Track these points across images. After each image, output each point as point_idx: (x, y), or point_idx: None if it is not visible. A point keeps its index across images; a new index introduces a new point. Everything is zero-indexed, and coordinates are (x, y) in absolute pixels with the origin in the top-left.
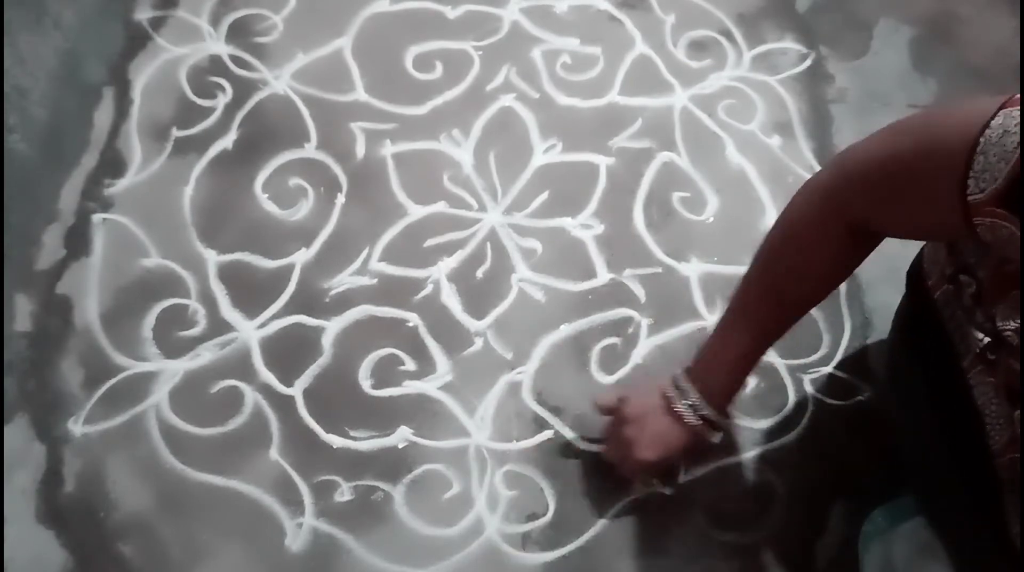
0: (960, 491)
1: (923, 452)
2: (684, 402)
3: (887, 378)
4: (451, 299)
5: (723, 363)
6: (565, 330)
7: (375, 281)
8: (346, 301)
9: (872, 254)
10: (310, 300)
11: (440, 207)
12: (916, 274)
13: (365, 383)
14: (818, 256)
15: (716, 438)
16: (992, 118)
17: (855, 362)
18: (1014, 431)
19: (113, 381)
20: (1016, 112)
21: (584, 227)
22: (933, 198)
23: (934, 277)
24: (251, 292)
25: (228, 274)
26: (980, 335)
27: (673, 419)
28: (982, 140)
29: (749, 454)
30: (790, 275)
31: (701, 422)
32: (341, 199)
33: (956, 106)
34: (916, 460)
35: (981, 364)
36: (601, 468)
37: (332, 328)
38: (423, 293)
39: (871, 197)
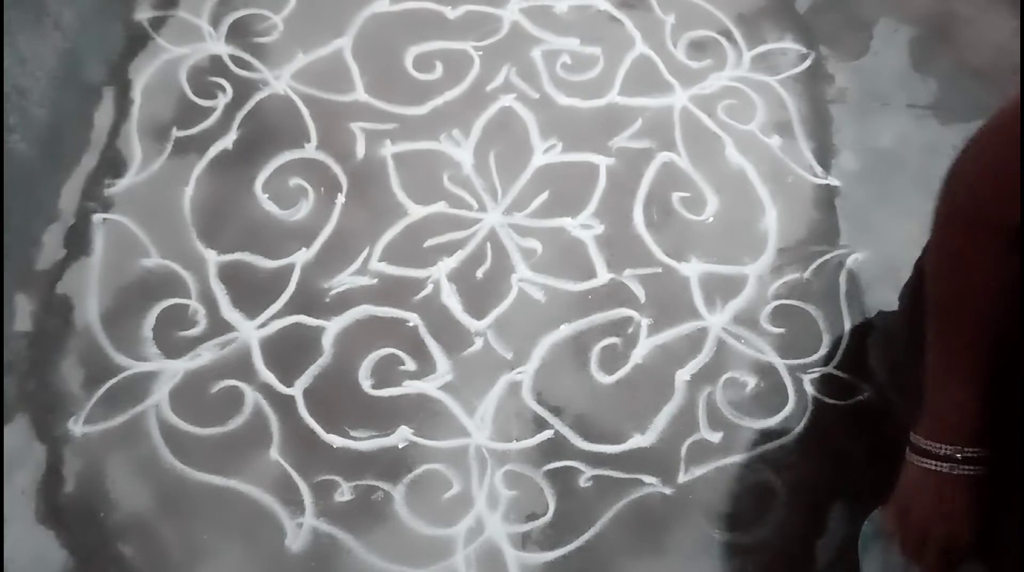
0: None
1: None
2: (936, 460)
3: (901, 351)
4: (451, 299)
5: (955, 403)
6: (565, 330)
7: (375, 281)
8: (346, 301)
9: (872, 254)
10: (310, 300)
11: (440, 207)
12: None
13: (365, 383)
14: (986, 275)
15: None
16: None
17: (855, 362)
18: None
19: (113, 381)
20: None
21: (584, 227)
22: None
23: None
24: (251, 292)
25: (228, 274)
26: None
27: (939, 481)
28: None
29: (749, 454)
30: (970, 301)
31: (966, 467)
32: (341, 199)
33: None
34: None
35: None
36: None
37: (332, 328)
38: (423, 293)
39: (1001, 189)
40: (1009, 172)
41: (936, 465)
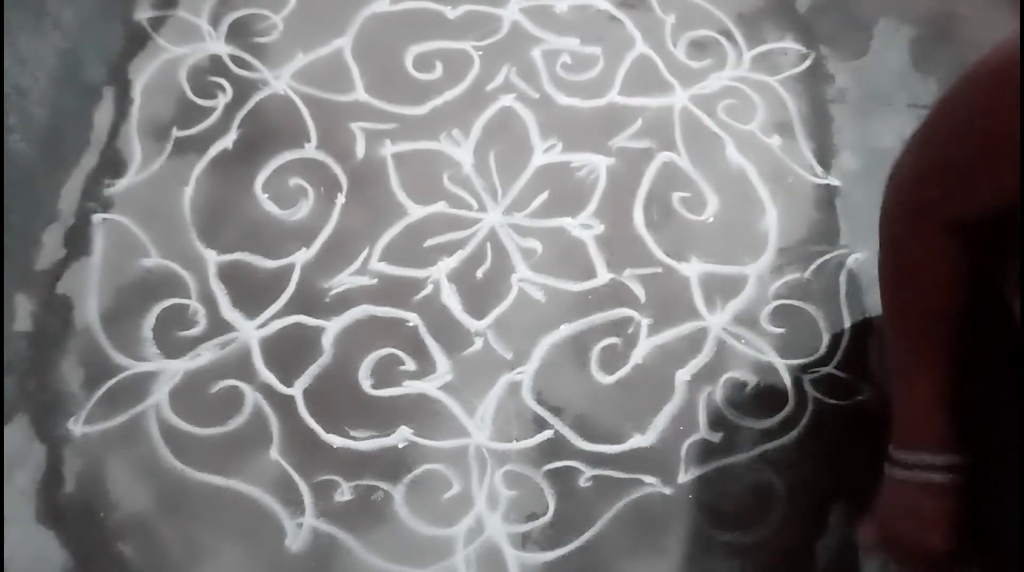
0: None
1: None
2: (908, 469)
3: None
4: (451, 299)
5: (918, 410)
6: (565, 330)
7: (375, 281)
8: (346, 301)
9: (872, 254)
10: (310, 300)
11: (440, 207)
12: None
13: (365, 383)
14: (932, 272)
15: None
16: None
17: (855, 362)
18: None
19: (113, 381)
20: None
21: (584, 227)
22: (998, 136)
23: None
24: (251, 292)
25: (228, 274)
26: None
27: (911, 491)
28: None
29: (749, 454)
30: (917, 300)
31: (936, 475)
32: (341, 199)
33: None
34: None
35: None
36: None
37: (332, 328)
38: (423, 293)
39: (945, 183)
40: (952, 165)
41: (908, 475)
